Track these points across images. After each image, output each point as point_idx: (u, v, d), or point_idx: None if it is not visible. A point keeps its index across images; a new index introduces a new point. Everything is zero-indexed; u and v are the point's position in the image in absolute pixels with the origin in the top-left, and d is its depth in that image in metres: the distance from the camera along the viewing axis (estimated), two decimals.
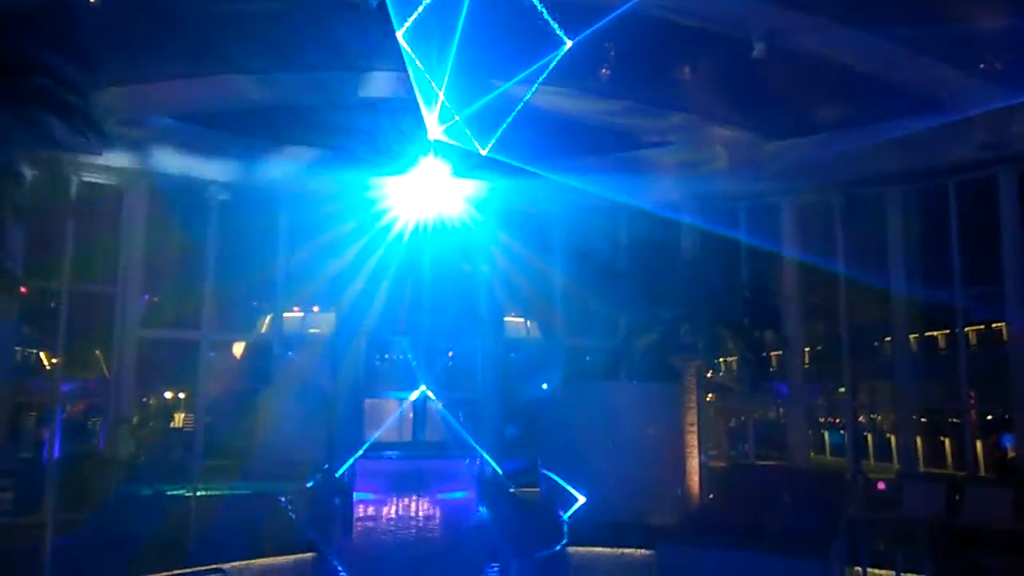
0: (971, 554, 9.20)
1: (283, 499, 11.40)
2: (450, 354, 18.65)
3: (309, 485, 12.05)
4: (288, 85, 13.29)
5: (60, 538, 9.18)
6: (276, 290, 16.01)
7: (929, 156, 13.47)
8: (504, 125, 13.22)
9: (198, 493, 10.51)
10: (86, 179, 13.69)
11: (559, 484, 12.06)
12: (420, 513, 17.17)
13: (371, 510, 17.19)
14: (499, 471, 16.42)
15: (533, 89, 12.18)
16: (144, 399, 15.26)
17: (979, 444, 13.56)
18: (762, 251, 15.42)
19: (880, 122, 13.75)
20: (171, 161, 14.31)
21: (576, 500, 11.62)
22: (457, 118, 13.16)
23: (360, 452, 17.02)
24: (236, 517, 10.53)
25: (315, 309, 17.42)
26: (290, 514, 11.05)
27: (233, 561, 9.38)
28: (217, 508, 10.62)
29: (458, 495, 17.90)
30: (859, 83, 12.50)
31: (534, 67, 12.19)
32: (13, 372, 13.21)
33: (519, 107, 12.51)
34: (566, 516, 11.37)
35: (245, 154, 14.91)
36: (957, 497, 11.45)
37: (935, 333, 14.65)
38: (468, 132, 13.39)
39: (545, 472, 12.70)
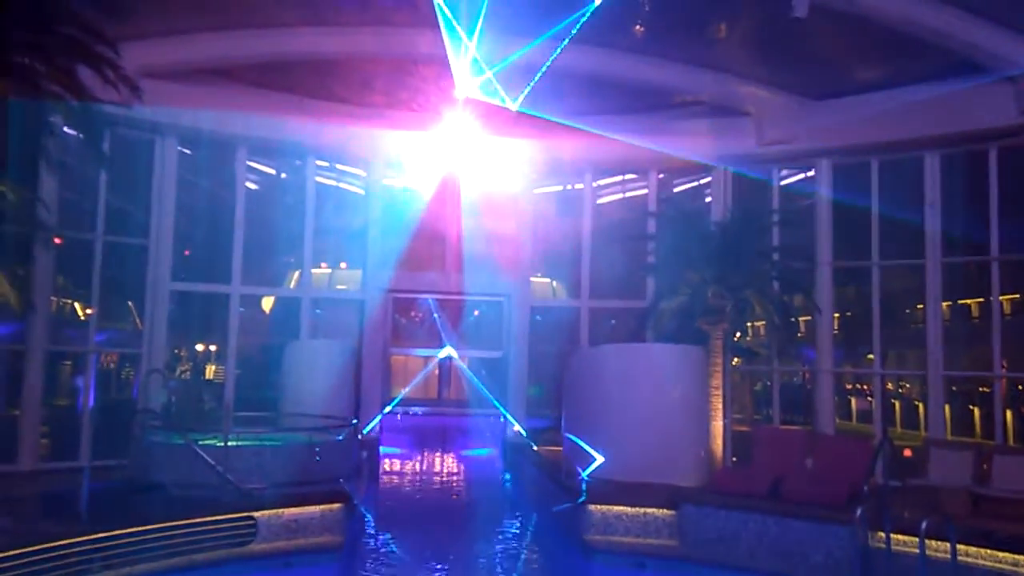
0: (997, 523, 9.13)
1: (312, 451, 11.58)
2: (476, 312, 18.72)
3: (338, 438, 12.22)
4: (318, 40, 13.23)
5: (96, 483, 9.42)
6: (304, 246, 16.12)
7: (970, 120, 13.10)
8: (533, 81, 13.11)
9: (229, 443, 10.68)
10: (118, 132, 13.77)
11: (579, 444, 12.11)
12: (444, 468, 17.45)
13: (397, 464, 17.51)
14: (523, 430, 16.58)
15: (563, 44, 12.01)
16: (176, 351, 15.52)
17: (1009, 414, 13.41)
18: (795, 214, 15.21)
19: (921, 83, 13.42)
20: (201, 115, 14.33)
21: (595, 459, 11.68)
22: (487, 75, 13.05)
23: (387, 408, 17.29)
24: (266, 468, 10.74)
25: (343, 265, 17.54)
26: (319, 466, 11.22)
27: (263, 510, 9.59)
28: (247, 458, 10.81)
29: (482, 452, 18.13)
30: (899, 43, 12.16)
31: (566, 22, 12.04)
32: (48, 321, 13.47)
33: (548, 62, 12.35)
34: (585, 474, 11.45)
35: (275, 109, 14.88)
36: (985, 466, 11.34)
37: (968, 301, 14.42)
38: (497, 89, 13.28)
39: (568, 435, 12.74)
